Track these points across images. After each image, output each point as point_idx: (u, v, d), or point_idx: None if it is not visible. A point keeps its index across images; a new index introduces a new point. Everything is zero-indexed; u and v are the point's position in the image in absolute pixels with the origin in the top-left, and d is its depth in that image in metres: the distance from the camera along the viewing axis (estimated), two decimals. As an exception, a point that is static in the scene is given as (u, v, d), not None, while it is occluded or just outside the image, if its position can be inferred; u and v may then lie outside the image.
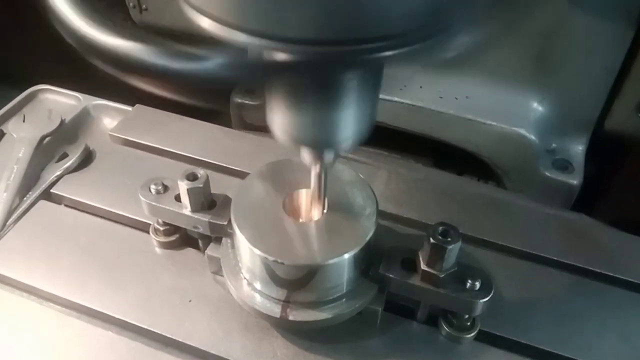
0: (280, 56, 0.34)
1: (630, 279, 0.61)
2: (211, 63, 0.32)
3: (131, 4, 0.94)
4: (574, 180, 0.84)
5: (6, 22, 1.10)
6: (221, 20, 0.33)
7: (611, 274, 0.62)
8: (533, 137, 0.85)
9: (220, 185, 0.58)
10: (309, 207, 0.53)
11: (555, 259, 0.63)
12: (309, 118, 0.41)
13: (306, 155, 0.46)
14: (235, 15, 0.32)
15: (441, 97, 0.87)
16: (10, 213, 0.65)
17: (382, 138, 0.93)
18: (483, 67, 0.86)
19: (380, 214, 0.54)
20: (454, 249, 0.48)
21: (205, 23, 0.33)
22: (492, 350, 0.55)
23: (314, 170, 0.49)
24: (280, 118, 0.42)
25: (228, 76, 0.33)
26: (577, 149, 0.87)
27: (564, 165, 0.85)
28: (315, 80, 0.38)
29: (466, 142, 0.88)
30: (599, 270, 0.62)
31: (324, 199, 0.52)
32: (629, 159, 0.90)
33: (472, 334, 0.54)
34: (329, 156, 0.46)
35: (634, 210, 0.87)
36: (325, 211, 0.53)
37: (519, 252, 0.64)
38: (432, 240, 0.48)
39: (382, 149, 0.94)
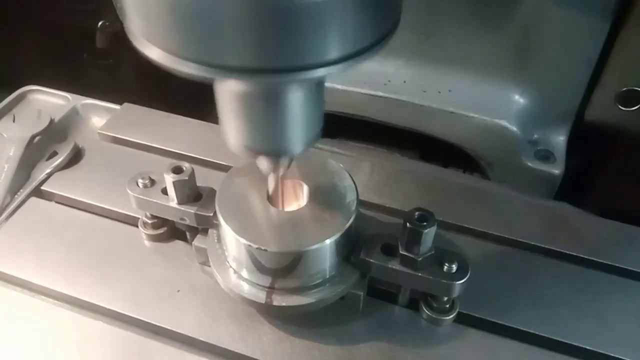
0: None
1: (607, 262, 0.63)
2: None
3: (119, 5, 0.95)
4: (556, 170, 0.86)
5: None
6: (167, 50, 0.34)
7: (589, 258, 0.63)
8: (515, 129, 0.87)
9: (206, 179, 0.60)
10: (291, 196, 0.55)
11: (534, 244, 0.65)
12: (262, 129, 0.43)
13: (263, 163, 0.48)
14: (179, 47, 0.34)
15: (424, 91, 0.89)
16: (1, 210, 0.67)
17: (368, 132, 0.95)
18: (465, 60, 0.88)
19: (363, 203, 0.56)
20: (429, 233, 0.50)
21: (154, 54, 0.35)
22: (471, 331, 0.56)
23: (272, 177, 0.51)
24: (233, 131, 0.44)
25: None
26: (559, 139, 0.89)
27: (546, 156, 0.87)
28: (263, 94, 0.40)
29: (450, 134, 0.90)
30: (577, 254, 0.64)
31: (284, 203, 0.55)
32: (610, 149, 0.91)
33: (452, 316, 0.56)
34: (284, 162, 0.48)
35: (616, 199, 0.89)
36: (307, 200, 0.55)
37: (499, 238, 0.65)
38: (408, 224, 0.50)
39: (368, 143, 0.96)
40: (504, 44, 0.84)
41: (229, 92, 0.41)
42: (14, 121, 0.77)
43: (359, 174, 0.70)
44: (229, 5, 0.31)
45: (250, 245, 0.51)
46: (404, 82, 0.91)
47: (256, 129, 0.43)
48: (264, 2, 0.30)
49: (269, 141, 0.44)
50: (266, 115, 0.42)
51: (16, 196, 0.69)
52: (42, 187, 0.70)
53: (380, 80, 0.90)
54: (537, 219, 0.68)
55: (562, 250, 0.64)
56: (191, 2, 0.31)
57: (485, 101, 0.88)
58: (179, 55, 0.34)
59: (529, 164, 0.86)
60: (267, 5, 0.30)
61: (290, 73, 0.33)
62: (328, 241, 0.51)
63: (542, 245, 0.64)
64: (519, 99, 0.88)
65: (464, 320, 0.57)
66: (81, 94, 0.83)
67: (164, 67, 0.35)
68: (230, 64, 0.33)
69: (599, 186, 0.94)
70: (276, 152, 0.46)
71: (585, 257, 0.64)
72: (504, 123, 0.87)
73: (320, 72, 0.33)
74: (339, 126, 0.94)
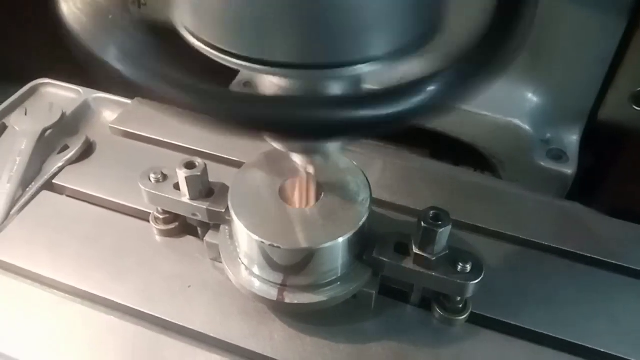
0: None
1: (620, 263, 0.62)
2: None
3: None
4: (569, 169, 0.85)
5: (6, 18, 1.11)
6: (214, 46, 0.34)
7: (602, 259, 0.63)
8: (527, 127, 0.86)
9: (218, 175, 0.60)
10: (305, 193, 0.55)
11: (548, 244, 0.64)
12: None
13: (297, 159, 0.48)
14: (226, 43, 0.34)
15: (436, 88, 0.88)
16: (13, 203, 0.67)
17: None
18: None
19: (375, 201, 0.56)
20: (444, 232, 0.49)
21: (198, 45, 0.35)
22: (483, 332, 0.56)
23: (305, 173, 0.51)
24: None
25: None
26: (572, 138, 0.88)
27: (559, 155, 0.86)
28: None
29: (461, 132, 0.89)
30: (590, 255, 0.63)
31: (316, 191, 0.54)
32: (624, 149, 0.90)
33: (464, 317, 0.56)
34: (319, 160, 0.48)
35: (629, 199, 0.88)
36: (320, 198, 0.54)
37: (512, 237, 0.65)
38: (423, 223, 0.49)
39: (377, 140, 0.95)
40: (517, 41, 0.83)
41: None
42: (26, 114, 0.77)
43: (371, 171, 0.70)
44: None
45: (262, 242, 0.51)
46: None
47: None
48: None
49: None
50: None
51: (28, 189, 0.69)
52: (54, 181, 0.70)
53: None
54: (550, 219, 0.68)
55: (574, 251, 0.64)
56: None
57: (498, 99, 0.87)
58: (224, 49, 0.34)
59: (541, 163, 0.86)
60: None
61: (334, 69, 0.33)
62: (341, 239, 0.51)
63: (555, 246, 0.64)
64: (532, 98, 0.87)
65: (476, 320, 0.57)
66: (93, 88, 0.83)
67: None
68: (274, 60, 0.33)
69: (611, 186, 0.93)
70: (314, 150, 0.46)
71: (598, 257, 0.63)
72: (517, 122, 0.86)
73: (364, 69, 0.33)
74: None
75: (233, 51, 0.34)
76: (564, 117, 0.87)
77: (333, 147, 0.45)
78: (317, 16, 0.31)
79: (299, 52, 0.33)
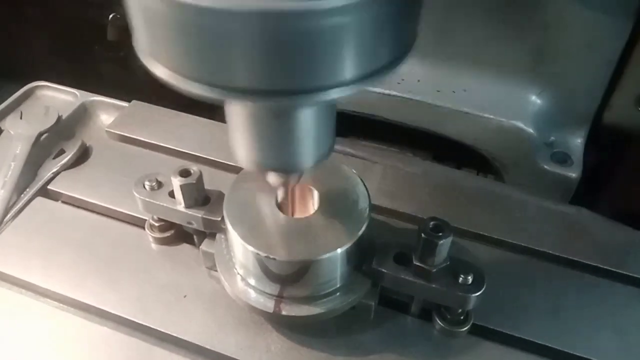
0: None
1: (626, 273, 0.61)
2: None
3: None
4: (573, 173, 0.84)
5: (3, 18, 1.10)
6: (175, 70, 0.33)
7: (607, 268, 0.62)
8: (531, 130, 0.85)
9: (216, 180, 0.59)
10: (302, 202, 0.54)
11: (551, 252, 0.63)
12: (272, 146, 0.42)
13: (272, 178, 0.47)
14: (186, 68, 0.33)
15: (438, 91, 0.87)
16: (7, 210, 0.66)
17: (380, 132, 0.93)
18: (480, 60, 0.86)
19: (376, 208, 0.54)
20: (445, 244, 0.48)
21: (161, 72, 0.34)
22: (485, 344, 0.55)
23: (281, 190, 0.51)
24: (243, 147, 0.43)
25: None
26: (576, 142, 0.87)
27: (563, 158, 0.85)
28: (272, 113, 0.39)
29: (464, 135, 0.88)
30: (595, 264, 0.62)
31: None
32: (629, 152, 0.89)
33: (466, 328, 0.54)
34: (294, 177, 0.47)
35: (634, 203, 0.87)
36: (317, 207, 0.53)
37: (515, 245, 0.64)
38: (423, 235, 0.48)
39: (380, 142, 0.94)
40: (521, 43, 0.82)
41: (237, 109, 0.40)
42: (21, 118, 0.76)
43: (371, 177, 0.69)
44: (238, 28, 0.29)
45: (258, 253, 0.49)
46: (418, 81, 0.89)
47: (265, 146, 0.42)
48: (273, 25, 0.29)
49: (279, 158, 0.42)
50: (276, 133, 0.40)
51: (22, 195, 0.68)
52: (49, 187, 0.69)
53: (394, 79, 0.89)
54: (554, 225, 0.67)
55: (579, 260, 0.62)
56: (199, 23, 0.29)
57: (501, 102, 0.86)
58: (186, 75, 0.32)
59: (545, 166, 0.84)
60: (276, 29, 0.29)
61: (301, 95, 0.32)
62: (339, 250, 0.49)
63: (559, 254, 0.63)
64: (535, 100, 0.86)
65: (477, 331, 0.55)
66: (91, 89, 0.81)
67: (170, 86, 0.34)
68: (240, 86, 0.32)
69: (616, 189, 0.92)
70: (286, 168, 0.45)
71: (604, 267, 0.62)
72: (520, 124, 0.85)
73: (332, 95, 0.32)
74: (351, 125, 0.92)
75: (196, 77, 0.33)
76: (569, 119, 0.86)
77: (306, 165, 0.44)
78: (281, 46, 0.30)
79: (264, 78, 0.32)
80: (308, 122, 0.40)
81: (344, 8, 0.29)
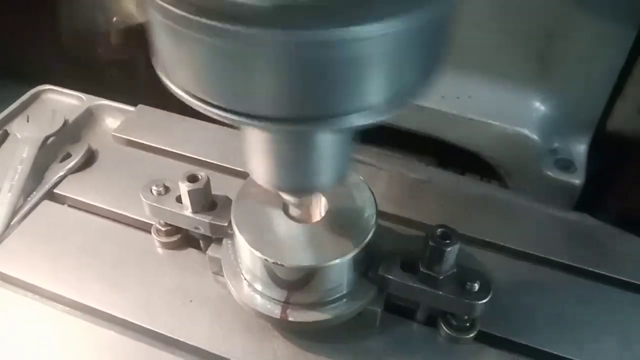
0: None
1: (631, 281, 0.61)
2: None
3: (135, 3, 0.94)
4: (576, 179, 0.84)
5: (10, 22, 1.11)
6: (196, 97, 0.34)
7: (613, 275, 0.62)
8: (535, 137, 0.85)
9: (222, 185, 0.59)
10: (309, 209, 0.54)
11: (557, 260, 0.63)
12: (289, 170, 0.43)
13: (287, 197, 0.48)
14: (208, 95, 0.33)
15: (443, 97, 0.88)
16: (14, 213, 0.66)
17: (385, 137, 0.94)
18: (485, 67, 0.86)
19: (382, 214, 0.54)
20: (452, 251, 0.48)
21: (184, 96, 0.34)
22: (491, 351, 0.55)
23: (296, 207, 0.51)
24: (260, 167, 0.43)
25: None
26: (580, 148, 0.87)
27: (566, 165, 0.85)
28: (292, 138, 0.40)
29: (468, 142, 0.88)
30: (600, 272, 0.62)
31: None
32: (632, 159, 0.89)
33: (472, 335, 0.54)
34: (309, 197, 0.48)
35: (637, 209, 0.87)
36: (325, 213, 0.53)
37: (520, 253, 0.64)
38: (430, 242, 0.48)
39: (385, 148, 0.94)
40: (526, 50, 0.82)
41: (255, 132, 0.40)
42: (28, 121, 0.76)
43: (377, 183, 0.69)
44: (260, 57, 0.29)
45: (265, 259, 0.50)
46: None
47: (283, 170, 0.42)
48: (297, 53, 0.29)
49: (296, 180, 0.43)
50: (294, 157, 0.41)
51: (29, 198, 0.68)
52: (55, 190, 0.69)
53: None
54: (559, 233, 0.67)
55: (583, 267, 0.62)
56: (226, 47, 0.30)
57: (506, 108, 0.86)
58: (205, 101, 0.33)
59: (549, 173, 0.85)
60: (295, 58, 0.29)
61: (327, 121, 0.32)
62: (346, 257, 0.50)
63: (564, 261, 0.63)
64: (539, 107, 0.86)
65: (483, 338, 0.55)
66: (96, 95, 0.82)
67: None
68: (261, 114, 0.32)
69: (619, 196, 0.92)
70: (302, 190, 0.45)
71: (608, 274, 0.62)
72: (524, 131, 0.85)
73: (355, 121, 0.33)
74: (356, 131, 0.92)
75: (217, 103, 0.33)
76: (572, 126, 0.86)
77: (321, 187, 0.45)
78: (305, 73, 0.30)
79: (285, 106, 0.32)
80: (326, 146, 0.40)
81: (372, 37, 0.29)
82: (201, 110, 0.34)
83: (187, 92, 0.34)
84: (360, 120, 0.33)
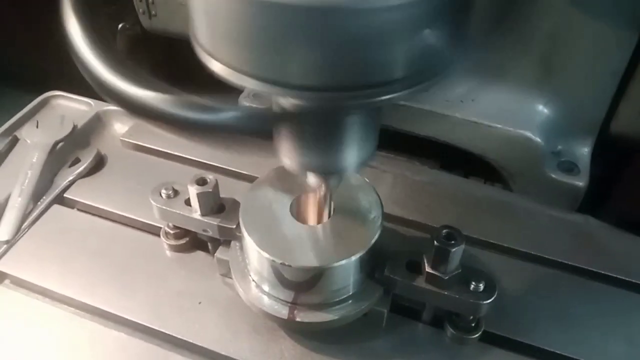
0: (290, 105, 0.36)
1: (636, 281, 0.62)
2: (226, 115, 0.34)
3: (141, 10, 0.95)
4: (580, 182, 0.84)
5: (18, 28, 1.12)
6: (231, 66, 0.34)
7: (617, 276, 0.62)
8: (539, 140, 0.85)
9: (229, 189, 0.60)
10: (316, 210, 0.54)
11: (561, 261, 0.64)
12: (316, 148, 0.43)
13: (312, 178, 0.48)
14: (245, 63, 0.33)
15: (447, 100, 0.88)
16: (24, 217, 0.67)
17: (389, 141, 0.94)
18: (488, 70, 0.86)
19: (386, 216, 0.55)
20: (457, 252, 0.49)
21: (216, 67, 0.35)
22: (496, 351, 0.55)
23: (319, 192, 0.51)
24: (287, 147, 0.44)
25: (242, 127, 0.35)
26: (583, 151, 0.88)
27: (570, 167, 0.86)
28: (321, 119, 0.40)
29: (472, 145, 0.89)
30: (604, 273, 0.63)
31: (330, 208, 0.54)
32: (635, 161, 0.90)
33: (477, 335, 0.55)
34: (334, 181, 0.48)
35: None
36: (331, 215, 0.54)
37: (525, 254, 0.64)
38: (436, 243, 0.49)
39: (389, 151, 0.95)
40: (529, 53, 0.83)
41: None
42: (37, 127, 0.77)
43: (382, 185, 0.70)
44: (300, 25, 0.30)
45: (273, 260, 0.50)
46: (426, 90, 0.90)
47: (312, 149, 0.43)
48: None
49: (324, 160, 0.43)
50: (323, 136, 0.41)
51: (39, 203, 0.69)
52: (65, 195, 0.70)
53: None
54: (563, 234, 0.67)
55: (589, 268, 0.63)
56: (265, 18, 0.30)
57: (509, 111, 0.87)
58: (244, 71, 0.33)
59: (553, 175, 0.85)
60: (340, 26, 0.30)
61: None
62: (353, 258, 0.50)
63: (569, 263, 0.63)
64: (543, 110, 0.87)
65: (489, 339, 0.56)
66: (104, 100, 0.82)
67: (227, 82, 0.34)
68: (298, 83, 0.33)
69: (623, 198, 0.93)
70: (329, 170, 0.45)
71: (612, 274, 0.62)
72: (528, 134, 0.85)
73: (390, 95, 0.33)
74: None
75: (252, 72, 0.33)
76: (576, 129, 0.86)
77: (349, 168, 0.45)
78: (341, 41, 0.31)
79: (319, 75, 0.32)
80: (356, 126, 0.41)
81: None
82: (240, 84, 0.34)
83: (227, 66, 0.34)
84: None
